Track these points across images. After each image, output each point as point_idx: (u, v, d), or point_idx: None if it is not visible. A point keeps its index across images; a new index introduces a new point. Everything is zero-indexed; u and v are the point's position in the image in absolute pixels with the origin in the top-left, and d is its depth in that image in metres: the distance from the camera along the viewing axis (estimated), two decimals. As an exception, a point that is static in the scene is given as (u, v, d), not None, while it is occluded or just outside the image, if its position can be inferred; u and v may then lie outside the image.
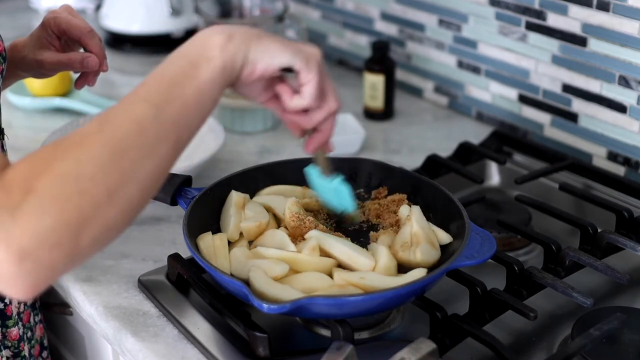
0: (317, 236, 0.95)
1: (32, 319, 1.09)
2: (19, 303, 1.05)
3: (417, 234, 0.97)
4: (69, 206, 0.68)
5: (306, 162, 1.12)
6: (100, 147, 0.71)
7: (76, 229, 0.68)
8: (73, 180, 0.68)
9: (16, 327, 1.04)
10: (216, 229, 1.01)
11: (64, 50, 1.09)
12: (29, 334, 1.08)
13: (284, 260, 0.92)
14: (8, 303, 1.02)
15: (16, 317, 1.04)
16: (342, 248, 0.94)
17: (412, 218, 0.98)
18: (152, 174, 0.74)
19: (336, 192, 0.99)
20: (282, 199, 1.04)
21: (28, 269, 0.66)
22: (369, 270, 0.92)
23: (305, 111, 0.90)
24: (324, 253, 0.94)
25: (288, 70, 0.86)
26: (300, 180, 1.09)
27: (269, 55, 0.83)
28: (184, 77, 0.78)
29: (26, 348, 1.07)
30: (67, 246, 0.68)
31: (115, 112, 0.74)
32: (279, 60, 0.84)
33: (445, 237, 0.98)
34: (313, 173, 0.99)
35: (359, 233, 1.03)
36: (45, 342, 1.14)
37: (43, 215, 0.66)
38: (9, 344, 1.04)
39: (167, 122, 0.75)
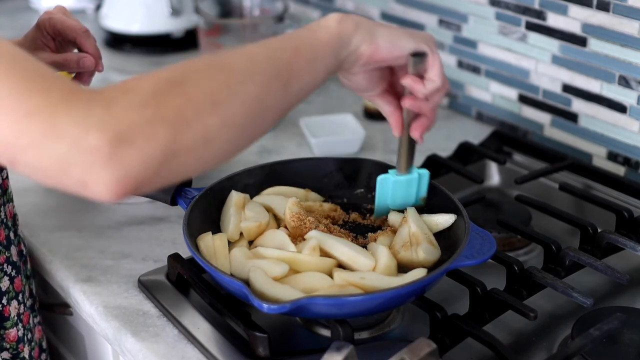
0: (317, 236, 0.95)
1: (31, 321, 1.09)
2: (19, 304, 1.05)
3: (415, 234, 0.97)
4: (168, 104, 0.68)
5: (306, 162, 1.12)
6: (209, 63, 0.73)
7: (174, 127, 0.67)
8: (176, 84, 0.69)
9: (15, 328, 1.04)
10: (216, 229, 1.01)
11: (59, 51, 1.09)
12: (29, 335, 1.08)
13: (284, 260, 0.92)
14: (5, 304, 1.02)
15: (15, 318, 1.04)
16: (342, 248, 0.94)
17: (409, 219, 0.98)
18: (259, 101, 0.75)
19: (417, 181, 1.01)
20: (282, 199, 1.04)
21: (122, 156, 0.65)
22: (370, 270, 0.92)
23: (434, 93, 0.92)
24: (324, 253, 0.94)
25: (416, 55, 0.89)
26: (300, 179, 1.09)
27: (395, 38, 0.87)
28: (301, 36, 0.83)
29: (26, 350, 1.06)
30: (163, 141, 0.67)
31: (231, 50, 0.77)
32: (407, 44, 0.88)
33: (445, 220, 0.99)
34: (389, 176, 1.01)
35: (357, 233, 1.03)
36: (44, 345, 1.14)
37: (141, 107, 0.66)
38: (8, 346, 1.04)
39: (279, 62, 0.78)
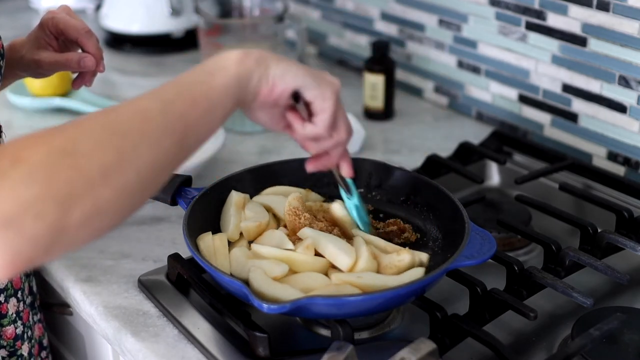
0: (310, 235, 0.95)
1: (31, 318, 1.09)
2: (18, 301, 1.05)
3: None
4: (58, 178, 0.65)
5: (306, 162, 1.12)
6: (100, 127, 0.70)
7: (64, 203, 0.65)
8: (67, 154, 0.67)
9: (12, 325, 1.04)
10: (216, 229, 1.01)
11: (62, 51, 1.09)
12: (29, 332, 1.08)
13: (281, 259, 0.92)
14: (3, 301, 1.02)
15: (14, 315, 1.04)
16: (328, 246, 0.94)
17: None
18: (153, 165, 0.72)
19: (357, 209, 1.01)
20: (282, 198, 1.04)
21: (9, 237, 0.63)
22: (348, 269, 0.92)
23: (315, 138, 0.91)
24: (317, 252, 0.94)
25: (296, 99, 0.87)
26: (300, 180, 1.09)
27: (290, 76, 0.84)
28: (197, 82, 0.79)
29: (25, 347, 1.07)
30: (53, 219, 0.65)
31: (122, 104, 0.74)
32: (300, 81, 0.85)
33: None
34: (345, 199, 1.01)
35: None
36: (45, 342, 1.14)
37: (30, 183, 0.64)
38: (4, 343, 1.04)
39: (173, 117, 0.75)
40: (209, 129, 0.79)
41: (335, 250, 0.93)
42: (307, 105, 0.88)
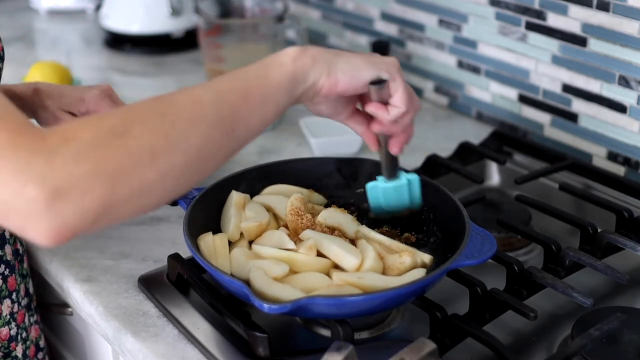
0: (313, 236, 0.95)
1: (27, 320, 1.09)
2: (13, 303, 1.05)
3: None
4: (107, 157, 0.68)
5: (306, 162, 1.12)
6: (152, 112, 0.73)
7: (111, 180, 0.68)
8: (117, 135, 0.69)
9: (7, 327, 1.04)
10: (216, 229, 1.01)
11: None
12: (24, 334, 1.08)
13: (282, 259, 0.92)
14: None
15: (8, 316, 1.04)
16: (332, 247, 0.94)
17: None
18: (200, 152, 0.74)
19: (407, 187, 1.01)
20: (282, 198, 1.04)
21: (58, 209, 0.66)
22: (355, 269, 0.92)
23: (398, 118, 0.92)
24: (319, 252, 0.94)
25: (379, 83, 0.88)
26: (300, 180, 1.09)
27: (354, 69, 0.86)
28: (252, 75, 0.81)
29: (19, 348, 1.06)
30: (101, 194, 0.68)
31: (177, 92, 0.76)
32: (367, 74, 0.87)
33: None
34: (377, 184, 1.01)
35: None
36: (42, 344, 1.13)
37: (80, 160, 0.67)
38: None
39: (225, 108, 0.77)
40: (261, 121, 0.80)
41: (340, 250, 0.93)
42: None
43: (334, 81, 0.86)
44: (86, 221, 0.68)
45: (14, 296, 1.05)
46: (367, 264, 0.92)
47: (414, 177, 1.01)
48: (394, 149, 0.96)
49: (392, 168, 1.00)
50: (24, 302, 1.08)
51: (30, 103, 1.03)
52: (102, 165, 0.68)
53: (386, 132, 0.95)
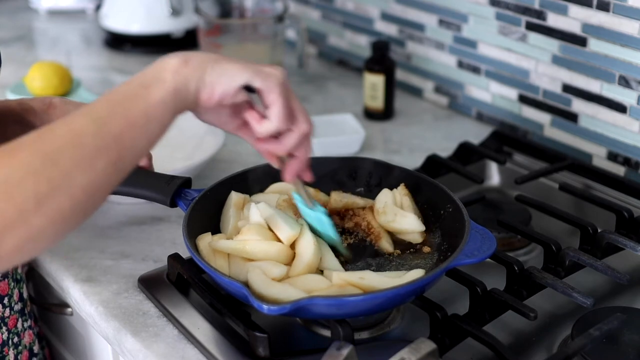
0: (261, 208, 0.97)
1: (19, 325, 1.08)
2: (4, 307, 1.04)
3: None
4: None
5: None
6: (33, 154, 0.70)
7: None
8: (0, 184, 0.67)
9: None
10: (216, 230, 1.01)
11: None
12: (15, 339, 1.07)
13: (236, 250, 0.93)
14: None
15: None
16: (277, 219, 0.95)
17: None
18: (87, 189, 0.72)
19: (319, 222, 0.98)
20: (278, 197, 1.04)
21: None
22: (289, 241, 0.93)
23: (276, 137, 0.88)
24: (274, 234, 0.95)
25: (251, 91, 0.84)
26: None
27: (227, 77, 0.81)
28: (132, 97, 0.77)
29: (11, 353, 1.06)
30: None
31: (56, 125, 0.73)
32: (238, 80, 0.82)
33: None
34: (297, 199, 0.98)
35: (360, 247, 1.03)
36: (36, 349, 1.12)
37: None
38: None
39: (108, 138, 0.73)
40: (147, 143, 0.77)
41: (280, 222, 0.94)
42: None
43: (210, 90, 0.81)
44: None
45: (5, 301, 1.04)
46: (305, 241, 0.93)
47: (322, 216, 0.97)
48: (285, 176, 0.92)
49: (303, 195, 0.96)
50: (16, 307, 1.07)
51: (44, 117, 1.03)
52: None
53: (271, 150, 0.89)
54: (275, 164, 0.93)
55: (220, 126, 0.90)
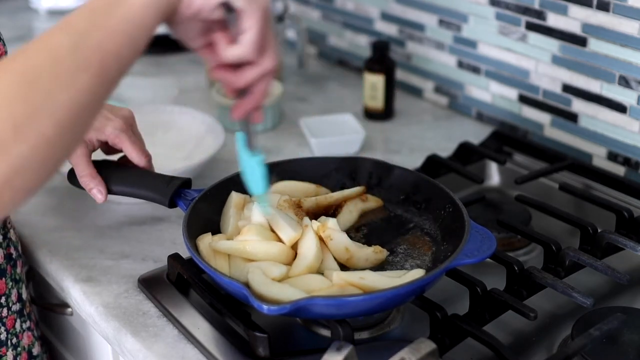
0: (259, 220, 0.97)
1: (18, 325, 1.07)
2: (1, 307, 1.04)
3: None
4: None
5: (306, 161, 1.12)
6: (8, 76, 0.65)
7: None
8: None
9: None
10: (216, 230, 1.01)
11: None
12: (14, 340, 1.07)
13: (235, 251, 0.93)
14: None
15: None
16: (278, 220, 0.95)
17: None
18: (70, 107, 0.66)
19: (251, 169, 0.93)
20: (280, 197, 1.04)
21: None
22: (291, 242, 0.94)
23: (237, 68, 0.83)
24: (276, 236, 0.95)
25: (229, 10, 0.79)
26: (300, 179, 1.09)
27: None
28: (111, 4, 0.71)
29: (10, 354, 1.06)
30: None
31: (32, 43, 0.68)
32: None
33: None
34: (240, 141, 0.92)
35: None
36: (35, 351, 1.12)
37: None
38: None
39: (88, 50, 0.68)
40: (132, 52, 0.72)
41: (282, 223, 0.94)
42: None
43: (190, 0, 0.76)
44: None
45: (2, 300, 1.04)
46: (307, 243, 0.94)
47: (258, 165, 0.92)
48: (233, 112, 0.87)
49: (247, 138, 0.90)
50: (15, 307, 1.07)
51: None
52: None
53: (228, 80, 0.84)
54: (229, 95, 0.88)
55: (187, 41, 0.84)
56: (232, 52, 0.81)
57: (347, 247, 0.96)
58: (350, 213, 1.05)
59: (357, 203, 1.07)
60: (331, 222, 0.97)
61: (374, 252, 0.97)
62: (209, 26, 0.83)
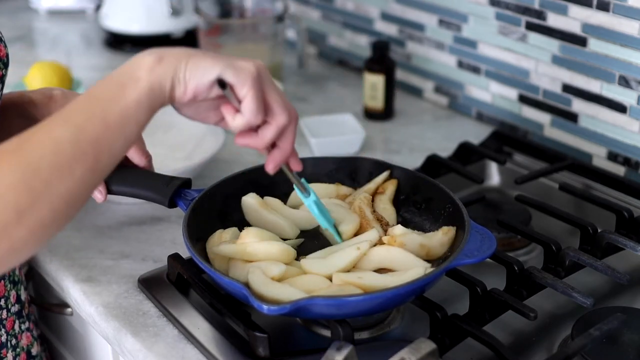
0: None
1: (17, 327, 1.07)
2: (1, 309, 1.04)
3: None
4: None
5: (306, 161, 1.12)
6: (13, 166, 0.70)
7: None
8: None
9: None
10: (216, 230, 1.01)
11: None
12: (13, 341, 1.07)
13: (236, 254, 0.93)
14: None
15: None
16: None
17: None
18: (66, 196, 0.72)
19: (312, 210, 0.98)
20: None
21: None
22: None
23: (255, 131, 0.87)
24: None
25: (223, 87, 0.83)
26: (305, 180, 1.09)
27: (199, 72, 0.81)
28: (108, 98, 0.77)
29: (9, 355, 1.06)
30: None
31: (35, 131, 0.73)
32: (209, 75, 0.81)
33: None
34: (296, 190, 0.98)
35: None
36: (34, 351, 1.12)
37: None
38: None
39: (85, 143, 0.73)
40: (124, 145, 0.78)
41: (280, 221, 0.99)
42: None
43: (184, 87, 0.81)
44: None
45: (1, 302, 1.04)
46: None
47: (316, 203, 0.97)
48: (265, 166, 0.91)
49: (294, 183, 0.96)
50: (14, 309, 1.07)
51: (45, 110, 1.02)
52: None
53: (249, 144, 0.88)
54: (262, 154, 0.92)
55: (202, 120, 0.89)
56: (237, 122, 0.85)
57: (422, 244, 0.96)
58: (385, 209, 1.05)
59: (381, 198, 1.07)
60: (396, 229, 0.97)
61: (444, 234, 0.97)
62: (216, 102, 0.87)
